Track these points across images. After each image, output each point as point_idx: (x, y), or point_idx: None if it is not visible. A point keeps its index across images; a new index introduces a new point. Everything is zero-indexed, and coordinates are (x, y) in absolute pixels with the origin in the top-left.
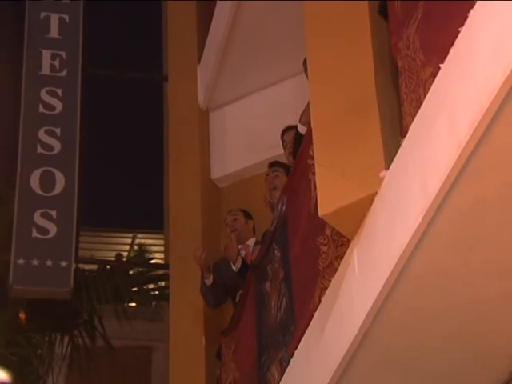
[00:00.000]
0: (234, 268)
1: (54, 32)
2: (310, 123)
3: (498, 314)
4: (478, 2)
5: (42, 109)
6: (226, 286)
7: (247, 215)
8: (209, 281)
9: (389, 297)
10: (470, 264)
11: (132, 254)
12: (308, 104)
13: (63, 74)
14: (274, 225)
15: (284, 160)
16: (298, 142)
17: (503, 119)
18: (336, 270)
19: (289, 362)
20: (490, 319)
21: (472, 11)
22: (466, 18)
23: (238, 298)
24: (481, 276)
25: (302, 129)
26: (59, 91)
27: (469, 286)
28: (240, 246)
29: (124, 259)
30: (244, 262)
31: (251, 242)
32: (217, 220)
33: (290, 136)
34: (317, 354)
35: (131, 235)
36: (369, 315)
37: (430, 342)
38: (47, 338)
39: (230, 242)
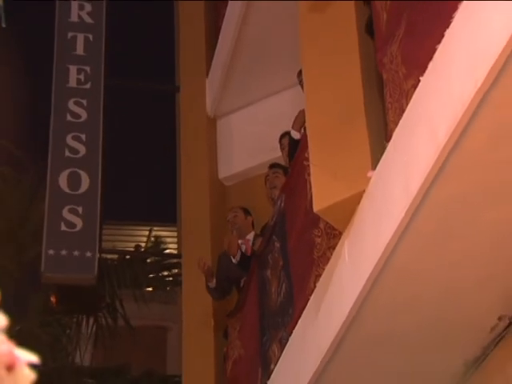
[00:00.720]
0: (234, 261)
1: (79, 50)
2: (304, 129)
3: (470, 296)
4: (453, 22)
5: (69, 117)
6: (229, 279)
7: (246, 212)
8: (212, 284)
9: (375, 283)
10: (446, 254)
11: (149, 245)
12: (300, 112)
13: (87, 86)
14: (274, 219)
15: (283, 161)
16: (292, 145)
17: (476, 126)
18: (329, 259)
19: (287, 340)
20: (463, 301)
21: (448, 30)
22: (442, 36)
23: (242, 284)
24: (455, 264)
25: (294, 134)
26: (84, 101)
27: (445, 273)
28: (240, 241)
29: (142, 249)
30: (243, 255)
31: (250, 236)
32: (223, 214)
33: (287, 140)
34: (312, 334)
35: (148, 228)
36: (358, 299)
37: (410, 321)
38: (75, 319)
39: (232, 238)
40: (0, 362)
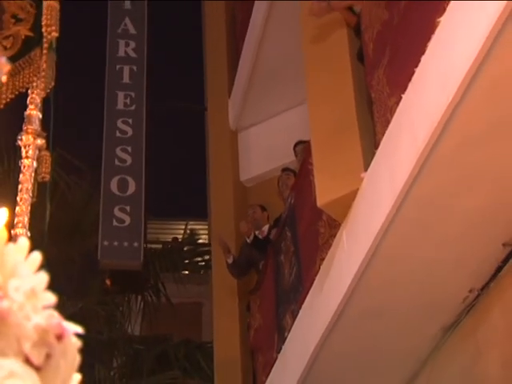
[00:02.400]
0: (248, 240)
1: (125, 78)
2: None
3: (446, 274)
4: (427, 50)
5: (118, 133)
6: (249, 262)
7: (263, 208)
8: (229, 260)
9: (368, 264)
10: (426, 239)
11: (185, 236)
12: None
13: (132, 108)
14: (286, 213)
15: (292, 166)
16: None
17: (449, 132)
18: (330, 245)
19: (298, 312)
20: (440, 277)
21: (423, 56)
22: (419, 61)
23: (260, 267)
24: (434, 247)
25: None
26: (130, 120)
27: (425, 255)
28: (257, 232)
29: (179, 240)
30: (256, 238)
31: (265, 228)
32: (245, 210)
33: (300, 148)
34: (318, 307)
35: (184, 222)
36: (354, 278)
37: (398, 296)
38: (126, 298)
39: (245, 224)
40: (51, 333)
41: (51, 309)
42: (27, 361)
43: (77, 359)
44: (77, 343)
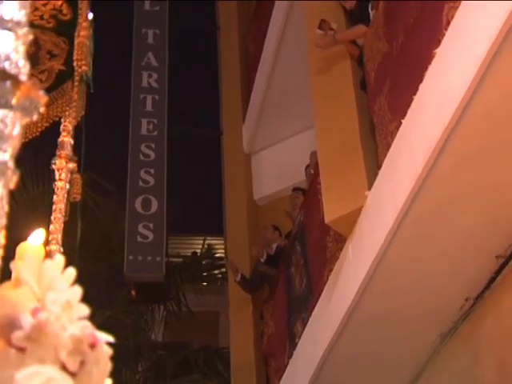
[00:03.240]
0: (261, 260)
1: (148, 107)
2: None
3: (444, 284)
4: (425, 79)
5: (141, 157)
6: (263, 278)
7: (275, 228)
8: (237, 278)
9: (373, 276)
10: (425, 252)
11: (203, 251)
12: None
13: (155, 133)
14: (296, 229)
15: (302, 185)
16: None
17: (445, 155)
18: (337, 258)
19: (308, 320)
20: (438, 287)
21: (421, 84)
22: (417, 89)
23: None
24: (433, 260)
25: None
26: (152, 145)
27: (425, 267)
28: (264, 250)
29: (198, 254)
30: (269, 256)
31: (274, 245)
32: (257, 227)
33: (310, 169)
34: (326, 315)
35: (202, 238)
36: (360, 288)
37: (400, 304)
38: (150, 308)
39: (255, 248)
40: (85, 342)
41: (85, 319)
42: (63, 368)
43: (108, 366)
44: (108, 351)
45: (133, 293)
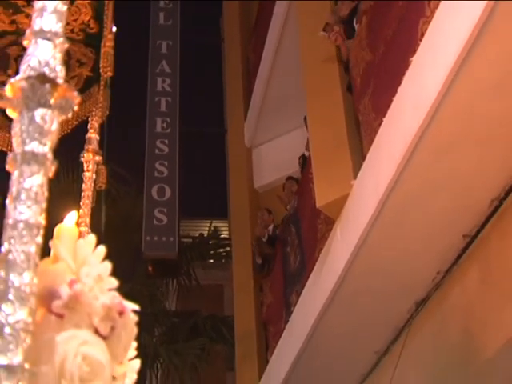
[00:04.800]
0: (263, 239)
1: (163, 107)
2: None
3: (419, 259)
4: (403, 82)
5: (157, 151)
6: (264, 255)
7: (269, 212)
8: (259, 260)
9: (358, 253)
10: (403, 231)
11: (210, 232)
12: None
13: (168, 131)
14: (291, 213)
15: (295, 175)
16: (303, 162)
17: (421, 147)
18: (327, 238)
19: (301, 291)
20: (414, 262)
21: (400, 88)
22: (396, 92)
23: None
24: (409, 238)
25: (307, 154)
26: (166, 141)
27: (402, 244)
28: (265, 231)
29: (205, 235)
30: (270, 237)
31: (270, 227)
32: (257, 211)
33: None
34: (317, 287)
35: (209, 221)
36: (346, 264)
37: (381, 279)
38: (164, 281)
39: (258, 229)
40: (114, 310)
41: (113, 290)
42: (96, 332)
43: (134, 331)
44: (134, 318)
45: (150, 268)
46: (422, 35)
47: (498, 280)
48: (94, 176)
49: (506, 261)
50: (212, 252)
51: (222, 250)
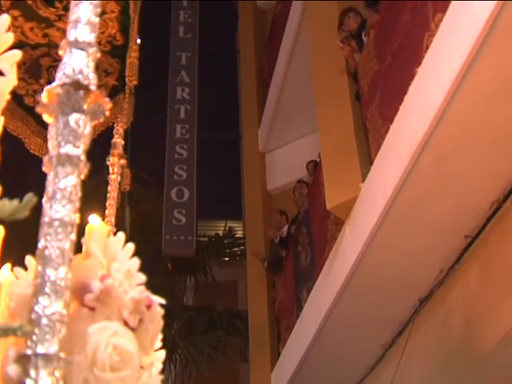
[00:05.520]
0: (276, 241)
1: (182, 115)
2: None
3: (422, 258)
4: (409, 91)
5: (176, 156)
6: (279, 258)
7: (282, 213)
8: (265, 265)
9: (366, 252)
10: (409, 233)
11: (225, 232)
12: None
13: (187, 136)
14: (302, 214)
15: (305, 179)
16: (313, 167)
17: (426, 152)
18: (336, 238)
19: (312, 288)
20: (418, 261)
21: (406, 96)
22: (402, 100)
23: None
24: (415, 238)
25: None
26: (185, 146)
27: (406, 243)
28: (280, 231)
29: (221, 235)
30: (281, 238)
31: (284, 229)
32: (270, 212)
33: (310, 165)
34: (327, 284)
35: (224, 221)
36: (355, 262)
37: (386, 276)
38: (182, 277)
39: (270, 230)
40: (142, 303)
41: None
42: (126, 324)
43: (161, 323)
44: (160, 311)
45: (169, 265)
46: (427, 47)
47: (497, 278)
48: (119, 178)
49: (505, 260)
50: (227, 250)
51: (236, 249)
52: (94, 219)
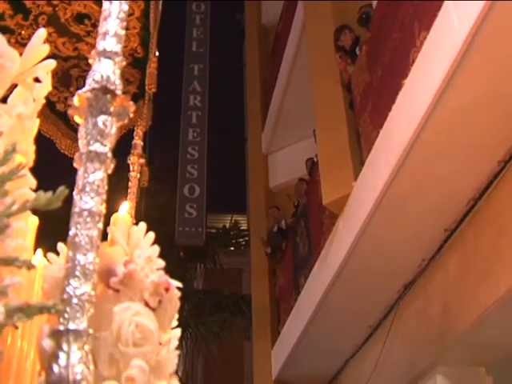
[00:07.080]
0: (274, 230)
1: (194, 120)
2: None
3: (407, 247)
4: (397, 101)
5: (188, 156)
6: (276, 245)
7: (278, 209)
8: (268, 250)
9: (357, 243)
10: (395, 226)
11: (231, 224)
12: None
13: (198, 139)
14: (300, 208)
15: (305, 177)
16: (311, 166)
17: (413, 153)
18: (331, 230)
19: (309, 275)
20: (403, 250)
21: (394, 105)
22: (390, 108)
23: (283, 246)
24: (401, 230)
25: (315, 159)
26: (196, 147)
27: (393, 235)
28: (275, 224)
29: (227, 227)
30: (280, 228)
31: (283, 221)
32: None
33: (309, 162)
34: (323, 271)
35: (230, 215)
36: (347, 252)
37: (376, 264)
38: (193, 264)
39: (270, 221)
40: (162, 286)
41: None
42: (146, 305)
43: (178, 304)
44: (178, 294)
45: (181, 254)
46: (413, 62)
47: (472, 267)
48: (139, 176)
49: (480, 251)
50: (233, 241)
51: (241, 240)
52: (123, 208)
